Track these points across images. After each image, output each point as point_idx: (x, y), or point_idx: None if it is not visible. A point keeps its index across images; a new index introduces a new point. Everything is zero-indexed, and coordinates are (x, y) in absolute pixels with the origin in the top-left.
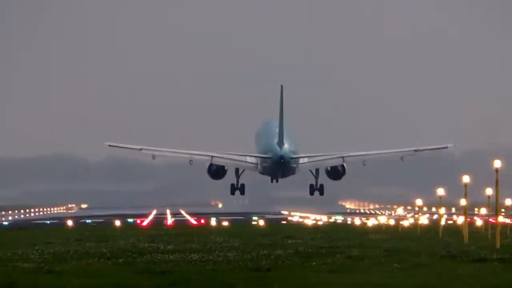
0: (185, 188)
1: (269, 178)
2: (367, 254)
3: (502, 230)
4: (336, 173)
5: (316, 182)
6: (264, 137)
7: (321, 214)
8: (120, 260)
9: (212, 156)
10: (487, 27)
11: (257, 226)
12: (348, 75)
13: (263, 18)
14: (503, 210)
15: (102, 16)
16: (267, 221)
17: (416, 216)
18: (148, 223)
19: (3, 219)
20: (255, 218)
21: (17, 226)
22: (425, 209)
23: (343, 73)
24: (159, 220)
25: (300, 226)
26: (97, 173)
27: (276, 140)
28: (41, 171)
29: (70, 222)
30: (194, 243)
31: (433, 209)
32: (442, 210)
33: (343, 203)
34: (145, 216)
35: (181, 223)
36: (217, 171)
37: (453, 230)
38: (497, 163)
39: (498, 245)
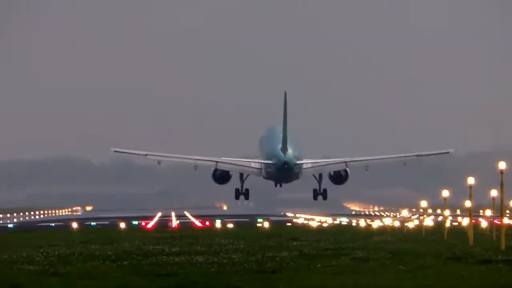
0: (190, 191)
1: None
2: (372, 256)
3: (507, 232)
4: (339, 178)
5: (320, 187)
6: (268, 142)
7: (326, 216)
8: (125, 262)
9: (216, 162)
10: (491, 29)
11: (262, 228)
12: (350, 78)
13: (265, 20)
14: (508, 211)
15: (112, 21)
16: (272, 223)
17: (421, 218)
18: (153, 226)
19: (8, 221)
20: (260, 220)
21: (22, 228)
22: (430, 211)
23: (345, 77)
24: (164, 223)
25: (305, 228)
26: (102, 175)
27: (280, 145)
28: (46, 174)
29: (75, 224)
30: (199, 245)
31: (438, 211)
32: (447, 212)
33: (348, 205)
34: (150, 218)
35: (186, 226)
36: (221, 176)
37: (458, 232)
38: (502, 165)
39: (503, 246)
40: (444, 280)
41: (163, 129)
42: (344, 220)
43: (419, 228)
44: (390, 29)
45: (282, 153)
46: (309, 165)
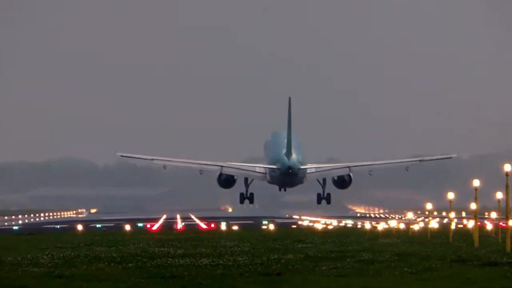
0: (195, 193)
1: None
2: (377, 258)
3: None
4: (342, 182)
5: (323, 191)
6: (273, 147)
7: (331, 218)
8: (130, 264)
9: (221, 166)
10: (495, 30)
11: (267, 230)
12: (349, 79)
13: (267, 24)
14: None
15: (116, 25)
16: (277, 225)
17: (426, 220)
18: (158, 228)
19: (13, 223)
20: (265, 222)
21: (27, 230)
22: (435, 213)
23: (345, 78)
24: (169, 225)
25: (310, 231)
26: (107, 178)
27: (284, 150)
28: (51, 177)
29: (80, 227)
30: (204, 247)
31: (443, 213)
32: (452, 214)
33: (353, 208)
34: (155, 220)
35: (191, 228)
36: (226, 181)
37: (463, 234)
38: (508, 167)
39: (508, 249)
40: (449, 282)
41: (169, 134)
42: (349, 223)
43: (425, 230)
44: (390, 31)
45: (286, 158)
46: (313, 170)
